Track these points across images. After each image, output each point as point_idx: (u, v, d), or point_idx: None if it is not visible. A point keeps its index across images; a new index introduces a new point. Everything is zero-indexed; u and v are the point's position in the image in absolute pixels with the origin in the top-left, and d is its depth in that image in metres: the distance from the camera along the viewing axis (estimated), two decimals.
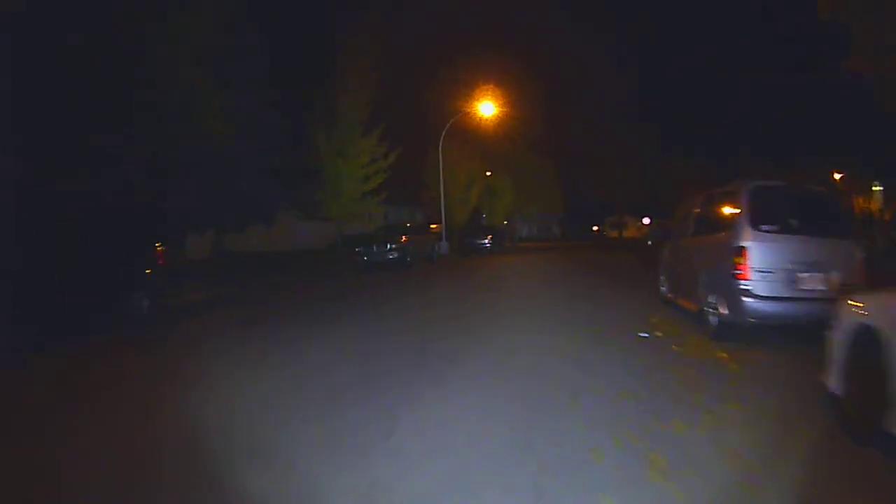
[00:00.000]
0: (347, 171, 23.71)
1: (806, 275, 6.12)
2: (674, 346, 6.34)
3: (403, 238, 19.50)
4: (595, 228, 71.15)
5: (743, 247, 6.21)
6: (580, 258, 25.66)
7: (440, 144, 28.48)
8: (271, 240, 27.42)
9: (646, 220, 49.35)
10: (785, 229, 6.33)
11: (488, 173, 41.78)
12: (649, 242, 32.93)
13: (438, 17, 55.73)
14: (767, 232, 6.25)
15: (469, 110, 29.58)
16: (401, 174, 27.51)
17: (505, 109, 30.98)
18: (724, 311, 6.53)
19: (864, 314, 3.67)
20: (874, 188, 36.64)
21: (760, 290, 6.11)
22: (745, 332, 6.42)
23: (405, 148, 25.45)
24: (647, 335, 6.98)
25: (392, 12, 39.10)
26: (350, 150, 23.72)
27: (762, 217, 6.30)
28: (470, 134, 33.18)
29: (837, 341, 3.94)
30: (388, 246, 19.00)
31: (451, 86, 33.51)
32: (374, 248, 19.20)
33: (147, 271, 9.53)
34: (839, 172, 42.93)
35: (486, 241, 29.65)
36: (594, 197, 58.41)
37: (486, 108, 29.21)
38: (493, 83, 29.67)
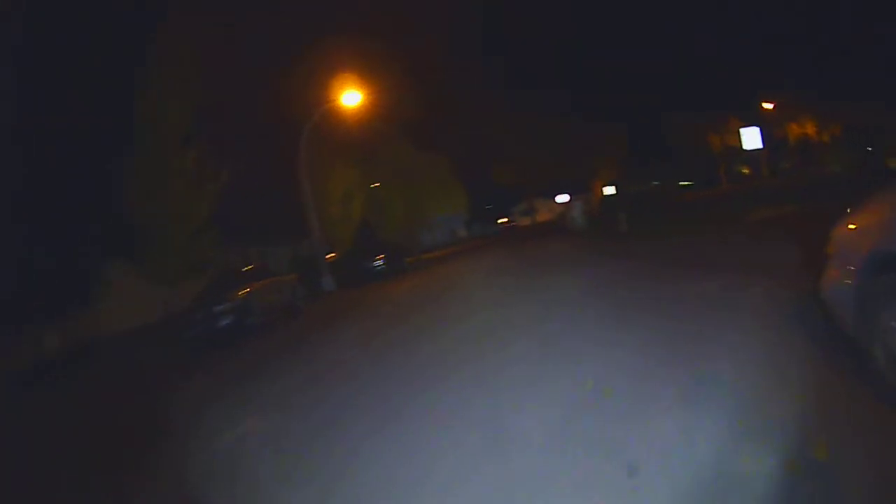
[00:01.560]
0: (160, 207, 16.92)
1: None
2: None
3: (241, 292, 13.06)
4: (504, 221, 66.74)
5: None
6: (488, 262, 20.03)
7: (300, 153, 22.18)
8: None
9: (563, 198, 45.25)
10: None
11: (376, 185, 35.77)
12: (577, 221, 28.35)
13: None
14: None
15: (332, 106, 23.43)
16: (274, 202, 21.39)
17: (374, 99, 25.21)
18: None
19: None
20: None
21: None
22: None
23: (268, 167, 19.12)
24: None
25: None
26: (159, 178, 16.97)
27: None
28: (340, 137, 27.00)
29: None
30: (217, 308, 12.49)
31: (308, 81, 27.08)
32: (198, 314, 12.67)
33: None
34: None
35: (378, 262, 23.56)
36: (497, 185, 53.87)
37: (351, 98, 23.20)
38: (356, 70, 23.84)
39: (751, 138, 45.26)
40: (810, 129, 50.03)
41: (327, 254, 24.17)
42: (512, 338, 6.23)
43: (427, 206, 41.39)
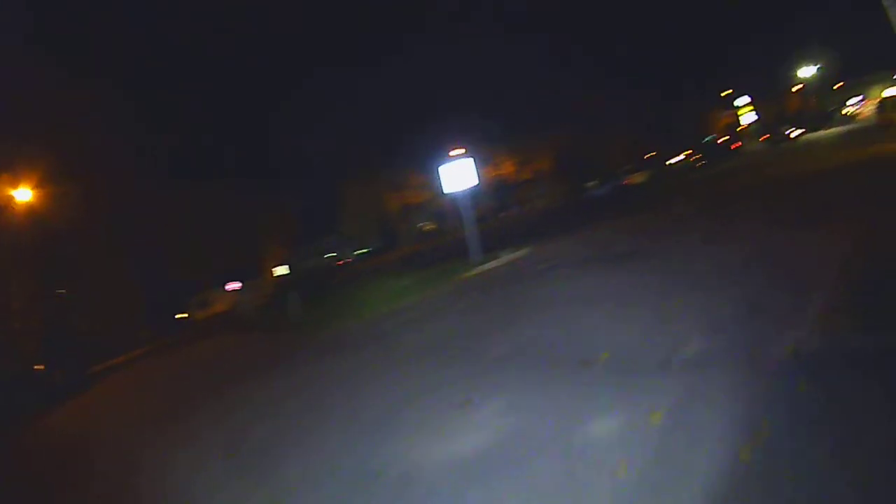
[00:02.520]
0: None
1: None
2: None
3: None
4: (182, 316, 60.21)
5: None
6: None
7: None
8: None
9: (233, 286, 43.59)
10: None
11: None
12: (246, 310, 26.85)
13: None
14: None
15: None
16: None
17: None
18: None
19: None
20: None
21: None
22: None
23: None
24: None
25: None
26: None
27: None
28: None
29: None
30: None
31: None
32: None
33: None
34: None
35: None
36: (173, 280, 49.32)
37: None
38: None
39: (457, 176, 48.13)
40: (508, 169, 53.24)
41: None
42: None
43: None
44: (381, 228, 57.35)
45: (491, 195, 53.15)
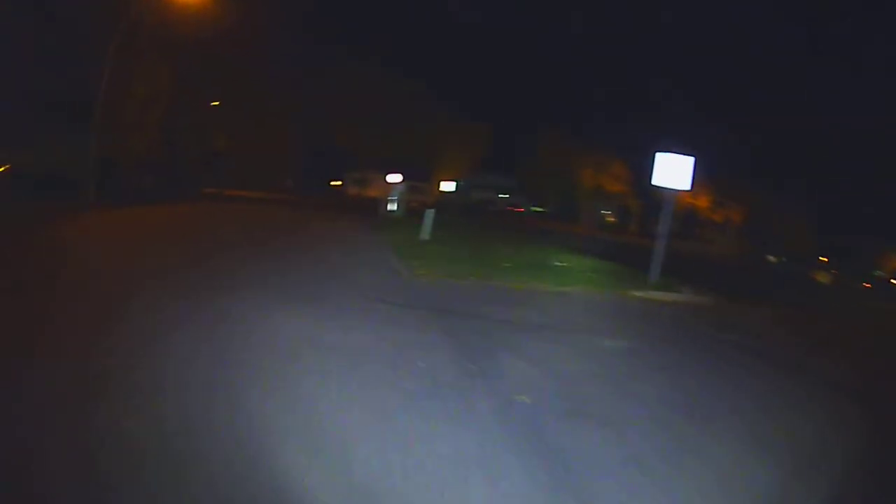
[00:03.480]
0: None
1: None
2: None
3: None
4: (336, 183, 62.50)
5: None
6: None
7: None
8: None
9: (394, 178, 43.36)
10: None
11: (215, 103, 31.39)
12: (390, 207, 25.57)
13: None
14: None
15: None
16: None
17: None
18: None
19: None
20: None
21: None
22: None
23: None
24: None
25: None
26: None
27: None
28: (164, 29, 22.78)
29: None
30: None
31: None
32: None
33: None
34: None
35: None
36: (335, 144, 50.17)
37: None
38: None
39: (671, 172, 43.84)
40: (702, 203, 49.03)
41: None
42: None
43: (254, 136, 37.77)
44: (563, 196, 54.12)
45: (677, 217, 49.55)
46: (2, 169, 15.96)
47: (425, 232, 15.62)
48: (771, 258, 43.29)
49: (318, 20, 49.74)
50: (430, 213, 15.94)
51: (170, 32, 23.04)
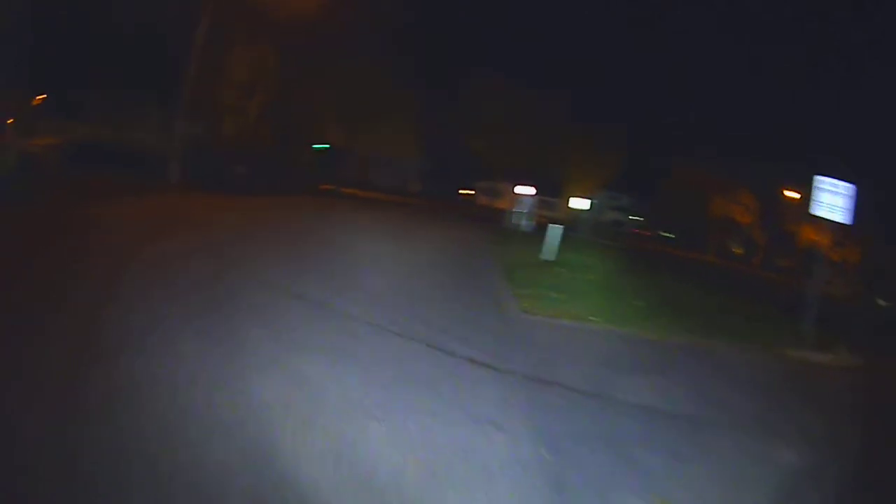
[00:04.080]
0: None
1: None
2: None
3: None
4: (469, 192, 59.83)
5: None
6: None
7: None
8: None
9: (523, 190, 39.42)
10: None
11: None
12: (519, 220, 23.39)
13: None
14: None
15: None
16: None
17: None
18: None
19: None
20: None
21: None
22: None
23: None
24: None
25: None
26: None
27: None
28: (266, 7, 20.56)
29: None
30: None
31: None
32: None
33: None
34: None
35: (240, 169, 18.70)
36: (465, 150, 47.53)
37: None
38: None
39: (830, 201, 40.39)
40: (825, 239, 44.45)
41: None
42: None
43: (376, 135, 35.37)
44: (691, 222, 51.67)
45: (798, 253, 46.44)
46: (49, 141, 14.01)
47: (548, 251, 13.92)
48: (881, 302, 40.21)
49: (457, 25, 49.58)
50: (555, 231, 14.21)
51: (277, 16, 20.84)
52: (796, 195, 40.98)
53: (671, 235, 55.12)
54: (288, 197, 20.12)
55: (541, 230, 22.64)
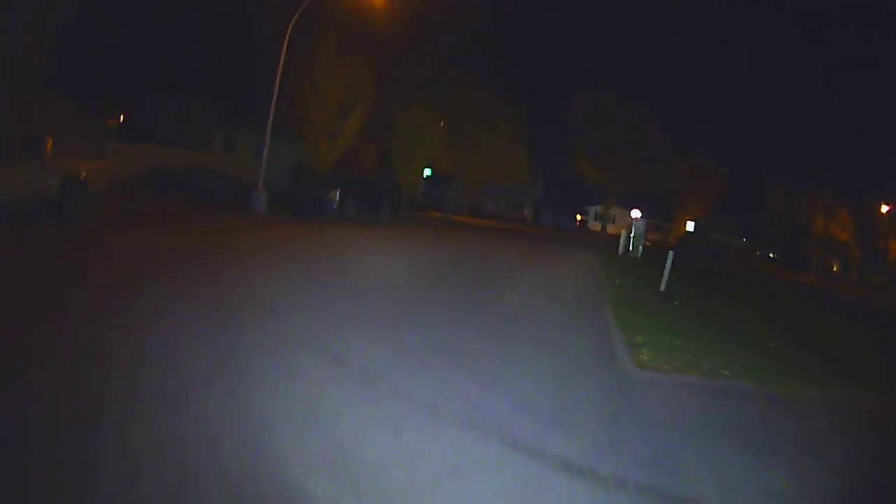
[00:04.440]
0: None
1: None
2: None
3: None
4: (579, 218, 57.15)
5: None
6: None
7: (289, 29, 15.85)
8: None
9: (635, 214, 37.03)
10: None
11: (442, 122, 28.61)
12: (631, 245, 21.40)
13: None
14: None
15: None
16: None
17: None
18: None
19: None
20: None
21: None
22: None
23: None
24: None
25: None
26: None
27: None
28: (362, 23, 19.93)
29: None
30: None
31: None
32: None
33: None
34: None
35: (332, 197, 17.49)
36: (577, 175, 45.41)
37: None
38: None
39: None
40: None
41: None
42: None
43: (485, 160, 33.91)
44: (794, 241, 50.15)
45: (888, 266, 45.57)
46: (95, 165, 12.86)
47: (665, 282, 12.01)
48: None
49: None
50: (670, 258, 12.35)
51: (375, 33, 20.14)
52: (887, 208, 42.09)
53: (775, 256, 54.70)
54: (386, 227, 18.21)
55: (650, 255, 21.31)
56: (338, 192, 17.01)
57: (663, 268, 11.89)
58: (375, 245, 13.93)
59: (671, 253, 12.34)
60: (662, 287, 11.58)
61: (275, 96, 16.45)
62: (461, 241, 18.71)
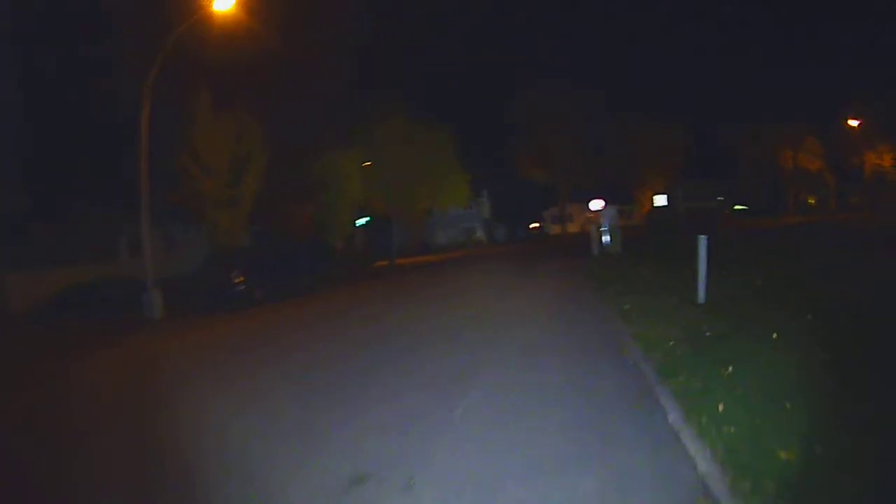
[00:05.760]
0: None
1: None
2: None
3: None
4: (535, 225, 55.05)
5: None
6: None
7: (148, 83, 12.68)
8: None
9: (596, 205, 34.02)
10: None
11: (366, 164, 25.65)
12: (606, 237, 18.72)
13: None
14: None
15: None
16: None
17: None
18: None
19: None
20: None
21: None
22: None
23: None
24: None
25: None
26: None
27: None
28: (231, 69, 16.83)
29: None
30: None
31: None
32: None
33: None
34: None
35: (238, 281, 13.69)
36: (525, 182, 43.01)
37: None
38: None
39: None
40: (887, 161, 44.27)
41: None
42: None
43: (423, 192, 30.82)
44: (765, 186, 49.12)
45: (867, 184, 46.36)
46: None
47: (702, 287, 7.68)
48: None
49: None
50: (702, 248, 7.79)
51: (255, 80, 17.20)
52: (857, 122, 40.46)
53: (744, 207, 53.84)
54: (301, 305, 13.63)
55: (630, 247, 19.03)
56: (240, 273, 13.52)
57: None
58: (254, 355, 8.12)
59: (703, 240, 7.74)
60: (701, 297, 7.57)
61: (143, 175, 13.17)
62: (391, 301, 13.44)
